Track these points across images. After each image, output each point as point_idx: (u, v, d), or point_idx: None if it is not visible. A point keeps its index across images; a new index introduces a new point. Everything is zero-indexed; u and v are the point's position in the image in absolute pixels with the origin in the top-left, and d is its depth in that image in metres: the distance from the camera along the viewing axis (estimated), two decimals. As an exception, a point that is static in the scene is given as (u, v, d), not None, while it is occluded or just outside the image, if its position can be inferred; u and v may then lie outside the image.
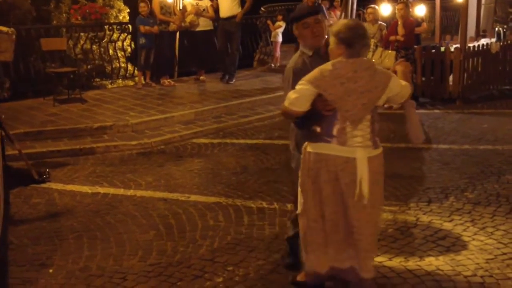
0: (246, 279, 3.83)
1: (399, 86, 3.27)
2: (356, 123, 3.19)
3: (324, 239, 3.35)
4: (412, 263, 3.95)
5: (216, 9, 10.53)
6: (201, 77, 10.84)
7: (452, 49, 9.52)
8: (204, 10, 10.43)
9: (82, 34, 10.17)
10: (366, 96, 3.18)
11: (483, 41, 10.61)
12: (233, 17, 10.37)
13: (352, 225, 3.30)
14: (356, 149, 3.21)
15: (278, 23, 12.58)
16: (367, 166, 3.20)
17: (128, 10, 11.15)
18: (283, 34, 12.62)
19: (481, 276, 3.75)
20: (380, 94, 3.21)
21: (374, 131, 3.27)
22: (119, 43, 10.69)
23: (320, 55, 3.49)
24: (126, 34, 10.66)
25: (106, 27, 10.41)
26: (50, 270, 4.02)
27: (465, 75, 9.43)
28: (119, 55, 10.65)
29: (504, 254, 4.05)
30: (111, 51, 10.54)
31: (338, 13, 12.84)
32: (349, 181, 3.21)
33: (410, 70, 3.57)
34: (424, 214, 4.83)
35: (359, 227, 3.29)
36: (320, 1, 11.32)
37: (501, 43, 10.22)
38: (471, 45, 9.80)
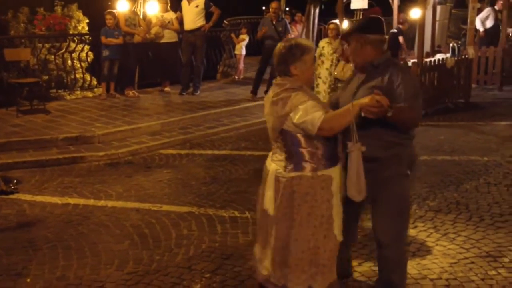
0: (223, 285, 3.94)
1: (302, 117, 3.09)
2: (272, 142, 3.35)
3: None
4: (381, 268, 4.13)
5: (181, 22, 10.64)
6: (166, 88, 10.91)
7: (409, 63, 9.90)
8: (169, 22, 10.53)
9: (40, 44, 10.08)
10: (269, 120, 3.28)
11: (439, 56, 11.07)
12: (197, 29, 10.50)
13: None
14: (271, 164, 3.33)
15: (241, 36, 12.80)
16: (273, 182, 3.27)
17: (87, 21, 11.13)
18: (247, 47, 12.84)
19: (446, 279, 3.98)
20: (277, 121, 3.19)
21: (292, 155, 3.23)
22: (81, 54, 10.64)
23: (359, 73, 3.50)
24: (86, 44, 10.61)
25: (69, 38, 10.36)
26: (28, 280, 4.04)
27: (422, 88, 9.81)
28: (78, 66, 10.59)
29: (466, 258, 4.29)
30: (69, 62, 10.47)
31: (300, 27, 13.15)
32: None
33: (378, 105, 3.03)
34: (389, 221, 5.04)
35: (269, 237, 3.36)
36: (283, 16, 11.57)
37: (456, 58, 10.67)
38: (427, 60, 10.21)
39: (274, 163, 3.31)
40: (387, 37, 3.52)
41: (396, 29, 12.58)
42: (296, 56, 3.20)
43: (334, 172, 3.26)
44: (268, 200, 3.32)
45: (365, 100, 3.02)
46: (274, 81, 3.33)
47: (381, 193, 3.43)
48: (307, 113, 3.06)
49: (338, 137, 3.29)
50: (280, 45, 3.30)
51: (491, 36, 13.23)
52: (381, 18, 3.51)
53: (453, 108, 10.50)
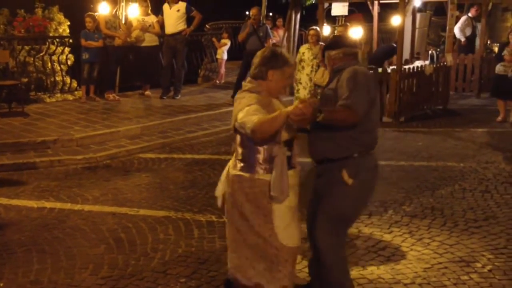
0: (198, 290, 3.95)
1: (242, 118, 3.13)
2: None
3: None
4: (356, 272, 4.16)
5: (162, 25, 10.63)
6: (146, 92, 10.88)
7: (389, 70, 9.99)
8: (150, 25, 10.50)
9: (20, 46, 9.99)
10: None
11: (418, 63, 11.19)
12: (178, 33, 10.50)
13: None
14: (231, 160, 3.42)
15: (223, 40, 12.81)
16: (224, 177, 3.44)
17: (69, 23, 11.07)
18: (228, 51, 12.86)
19: (420, 284, 4.02)
20: (233, 120, 3.26)
21: (241, 155, 3.30)
22: (62, 57, 10.56)
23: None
24: (66, 47, 10.53)
25: (49, 40, 10.28)
26: (1, 284, 4.00)
27: (401, 95, 9.92)
28: (58, 68, 10.51)
29: (440, 263, 4.34)
30: (49, 64, 10.38)
31: (281, 32, 13.20)
32: None
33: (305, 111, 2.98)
34: (365, 226, 5.09)
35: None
36: (264, 21, 11.61)
37: (435, 65, 10.80)
38: (406, 67, 10.31)
39: (231, 160, 3.41)
40: (350, 49, 3.63)
41: (395, 43, 12.61)
42: (278, 64, 3.26)
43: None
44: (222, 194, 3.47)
45: (290, 108, 3.04)
46: (243, 82, 3.38)
47: (321, 197, 3.52)
48: (247, 115, 3.12)
49: (293, 146, 3.33)
50: (265, 49, 3.36)
51: (471, 43, 13.43)
52: (346, 36, 3.78)
53: (431, 115, 10.62)
